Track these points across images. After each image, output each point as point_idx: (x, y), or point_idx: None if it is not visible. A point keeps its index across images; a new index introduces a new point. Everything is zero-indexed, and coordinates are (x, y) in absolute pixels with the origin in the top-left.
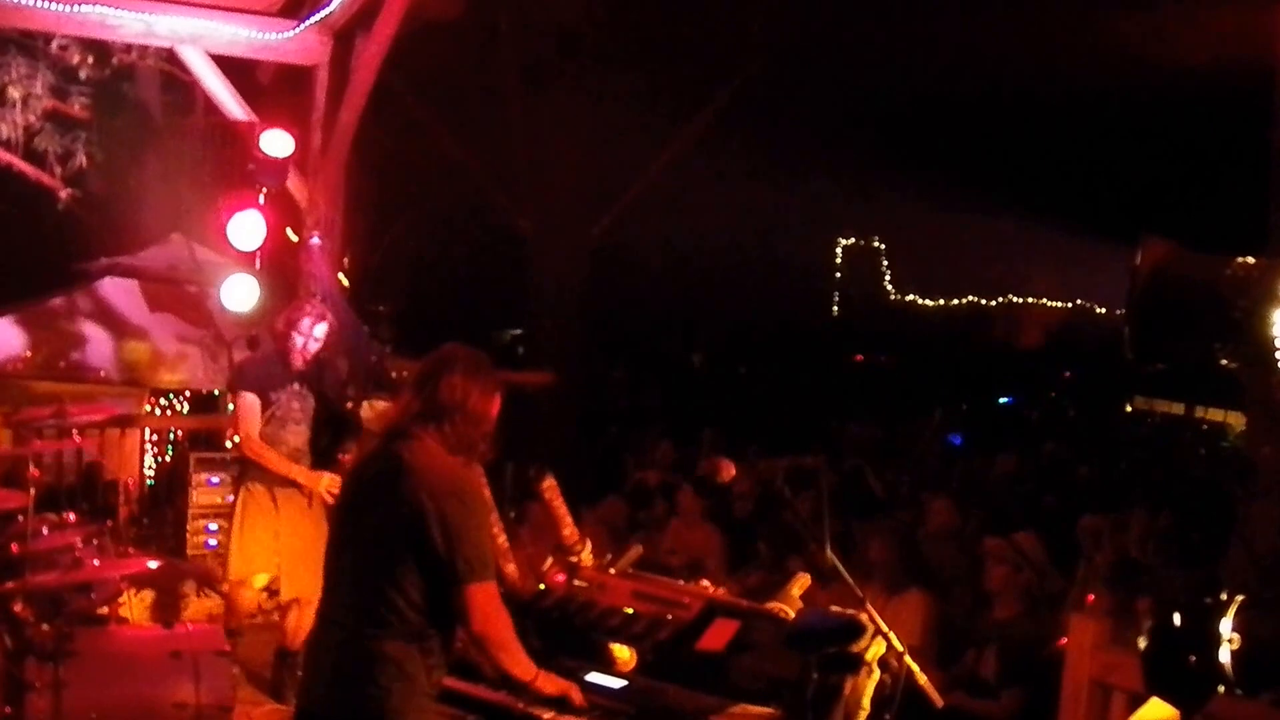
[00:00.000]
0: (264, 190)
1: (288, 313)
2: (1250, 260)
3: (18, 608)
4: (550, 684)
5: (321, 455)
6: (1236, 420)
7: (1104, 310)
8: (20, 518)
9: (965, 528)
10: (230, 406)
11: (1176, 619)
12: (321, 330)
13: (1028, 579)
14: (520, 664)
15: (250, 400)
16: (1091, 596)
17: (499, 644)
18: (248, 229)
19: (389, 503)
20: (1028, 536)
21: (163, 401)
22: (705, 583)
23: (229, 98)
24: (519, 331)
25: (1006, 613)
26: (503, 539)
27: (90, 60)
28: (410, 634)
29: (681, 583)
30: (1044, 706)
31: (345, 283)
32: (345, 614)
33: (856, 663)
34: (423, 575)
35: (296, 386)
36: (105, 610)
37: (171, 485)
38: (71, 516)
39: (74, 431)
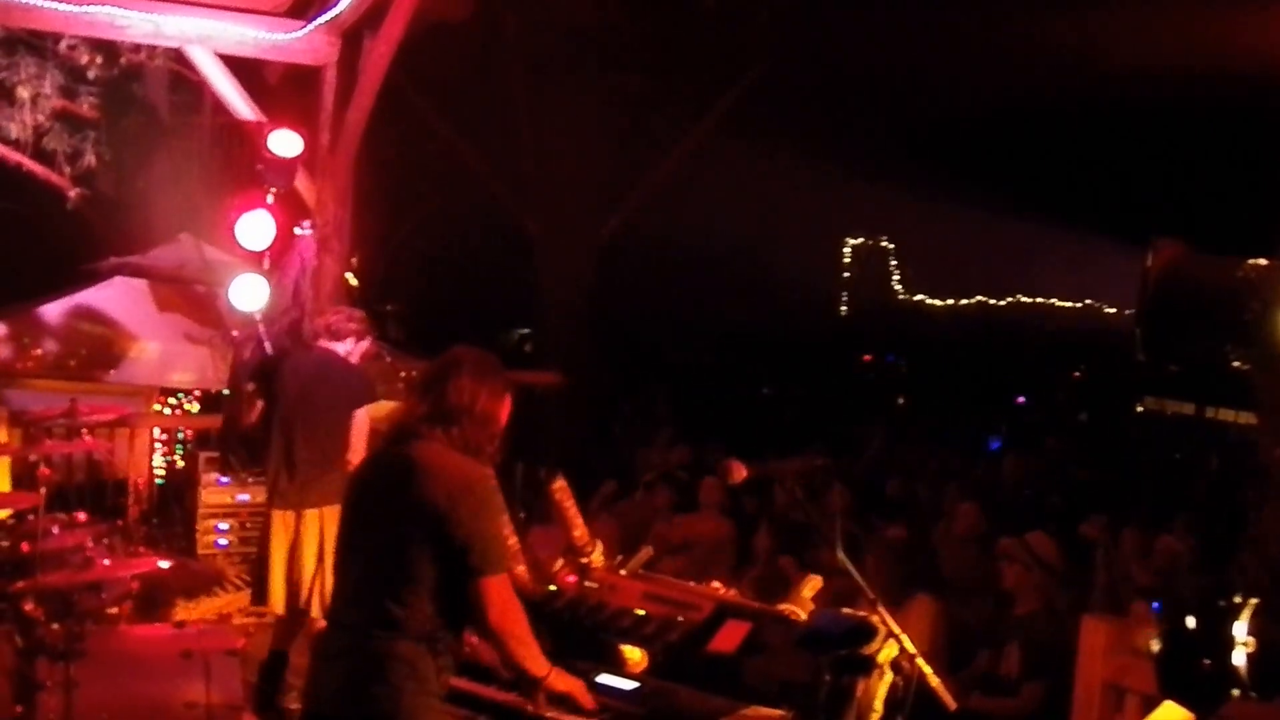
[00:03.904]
0: (272, 190)
1: (358, 323)
2: (1262, 262)
3: (29, 607)
4: (562, 682)
5: None
6: (1247, 421)
7: (1114, 311)
8: (31, 517)
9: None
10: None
11: (1190, 622)
12: None
13: (1041, 578)
14: (536, 660)
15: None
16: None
17: (516, 637)
18: (256, 229)
19: (401, 504)
20: (1039, 536)
21: (172, 401)
22: (716, 584)
23: (237, 98)
24: (527, 331)
25: (1027, 609)
26: (513, 540)
27: (99, 60)
28: (421, 635)
29: (692, 584)
30: (1063, 704)
31: (354, 282)
32: (356, 617)
33: (869, 665)
34: (437, 573)
35: None
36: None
37: (181, 485)
38: (82, 516)
39: (84, 431)
